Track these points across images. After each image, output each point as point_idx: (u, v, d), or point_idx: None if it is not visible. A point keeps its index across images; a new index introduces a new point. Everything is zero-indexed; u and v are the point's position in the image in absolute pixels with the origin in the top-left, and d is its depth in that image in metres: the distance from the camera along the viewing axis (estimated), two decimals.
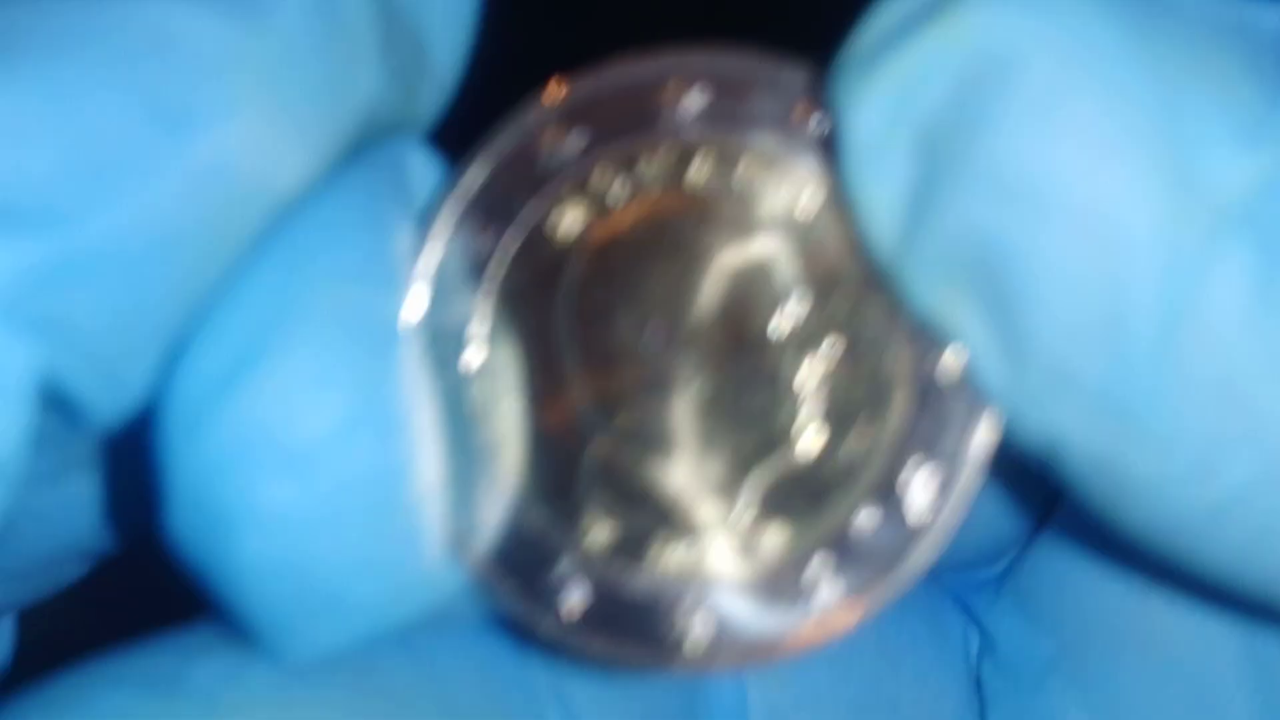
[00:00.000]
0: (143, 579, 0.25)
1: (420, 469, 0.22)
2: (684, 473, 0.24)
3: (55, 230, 0.20)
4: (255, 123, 0.21)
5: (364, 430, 0.21)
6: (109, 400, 0.22)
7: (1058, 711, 0.33)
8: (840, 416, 0.24)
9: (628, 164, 0.23)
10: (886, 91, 0.21)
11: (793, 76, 0.23)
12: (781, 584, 0.23)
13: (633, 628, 0.23)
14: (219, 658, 0.26)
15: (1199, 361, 0.21)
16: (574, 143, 0.23)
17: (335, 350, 0.21)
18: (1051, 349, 0.21)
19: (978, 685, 0.36)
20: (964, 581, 0.36)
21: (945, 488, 0.23)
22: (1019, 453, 0.23)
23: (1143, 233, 0.20)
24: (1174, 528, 0.22)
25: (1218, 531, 0.22)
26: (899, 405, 0.23)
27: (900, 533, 0.23)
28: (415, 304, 0.23)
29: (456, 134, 0.25)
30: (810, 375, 0.23)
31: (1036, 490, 0.33)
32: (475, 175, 0.23)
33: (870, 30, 0.22)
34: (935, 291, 0.22)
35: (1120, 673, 0.32)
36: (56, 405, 0.22)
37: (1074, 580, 0.33)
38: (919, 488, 0.23)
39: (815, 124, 0.23)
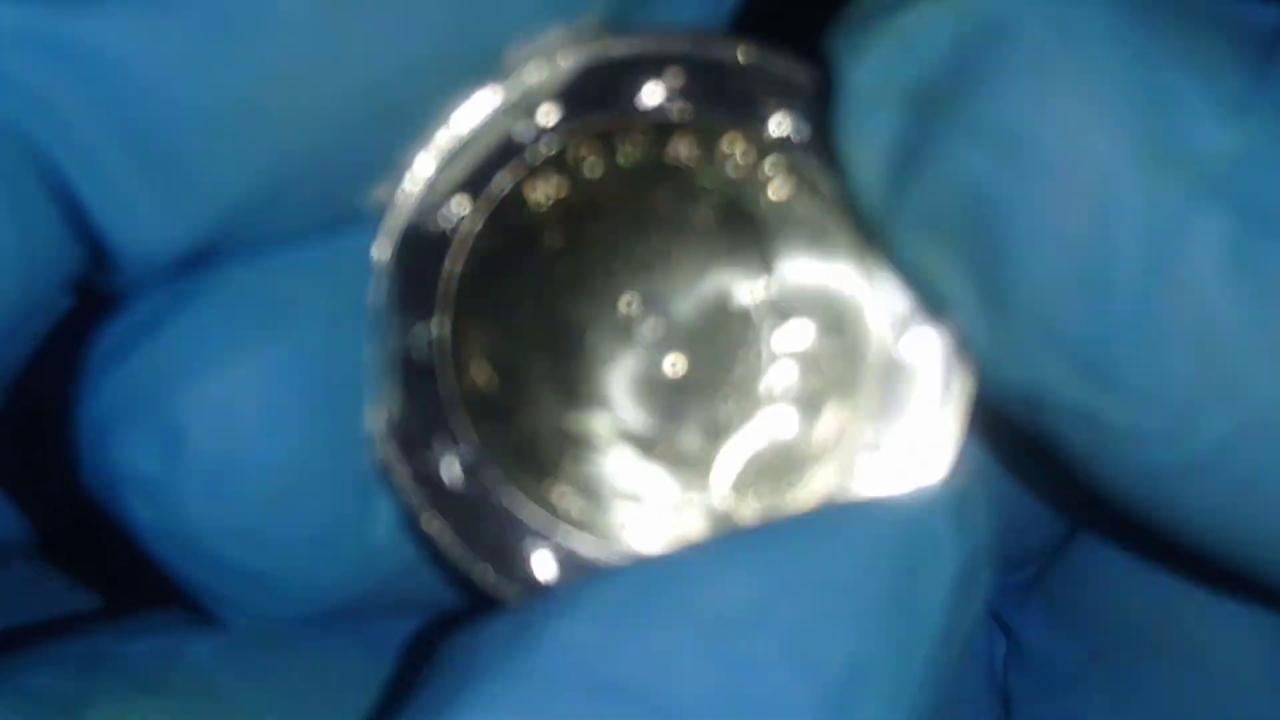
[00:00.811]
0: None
1: (345, 447, 0.23)
2: (655, 444, 0.24)
3: (61, 8, 0.21)
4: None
5: (244, 411, 0.22)
6: (119, 222, 0.22)
7: (1086, 716, 0.33)
8: (813, 395, 0.23)
9: (604, 139, 0.24)
10: (884, 49, 0.22)
11: (771, 61, 0.23)
12: None
13: None
14: (155, 636, 0.26)
15: (1177, 320, 0.21)
16: (550, 116, 0.23)
17: (213, 330, 0.22)
18: (1034, 302, 0.21)
19: (1003, 691, 0.36)
20: (993, 586, 0.36)
21: (915, 467, 0.23)
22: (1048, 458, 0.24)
23: (1126, 193, 0.21)
24: (1151, 483, 0.22)
25: (1194, 487, 0.22)
26: (870, 386, 0.23)
27: None
28: (380, 264, 0.23)
29: None
30: (784, 353, 0.23)
31: (1070, 495, 0.32)
32: (448, 142, 0.23)
33: None
34: (920, 246, 0.22)
35: (1150, 678, 0.32)
36: (65, 209, 0.22)
37: (1104, 585, 0.32)
38: (888, 467, 0.23)
39: (792, 111, 0.23)
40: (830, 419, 0.23)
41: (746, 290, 0.23)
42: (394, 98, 0.22)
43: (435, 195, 0.23)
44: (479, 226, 0.24)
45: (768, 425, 0.24)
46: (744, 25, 0.24)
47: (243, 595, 0.24)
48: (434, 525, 0.23)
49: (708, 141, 0.23)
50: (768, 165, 0.23)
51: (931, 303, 0.23)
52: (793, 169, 0.23)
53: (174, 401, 0.22)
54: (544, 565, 0.24)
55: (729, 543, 0.23)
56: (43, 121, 0.21)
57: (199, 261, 0.23)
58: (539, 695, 0.21)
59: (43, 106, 0.21)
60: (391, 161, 0.23)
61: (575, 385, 0.24)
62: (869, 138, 0.22)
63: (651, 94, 0.23)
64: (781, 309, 0.23)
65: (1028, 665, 0.35)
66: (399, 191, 0.23)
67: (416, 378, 0.23)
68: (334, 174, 0.23)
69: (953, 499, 0.23)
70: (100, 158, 0.21)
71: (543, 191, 0.24)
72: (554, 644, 0.22)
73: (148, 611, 0.27)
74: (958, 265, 0.22)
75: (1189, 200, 0.21)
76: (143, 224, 0.22)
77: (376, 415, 0.23)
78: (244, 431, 0.22)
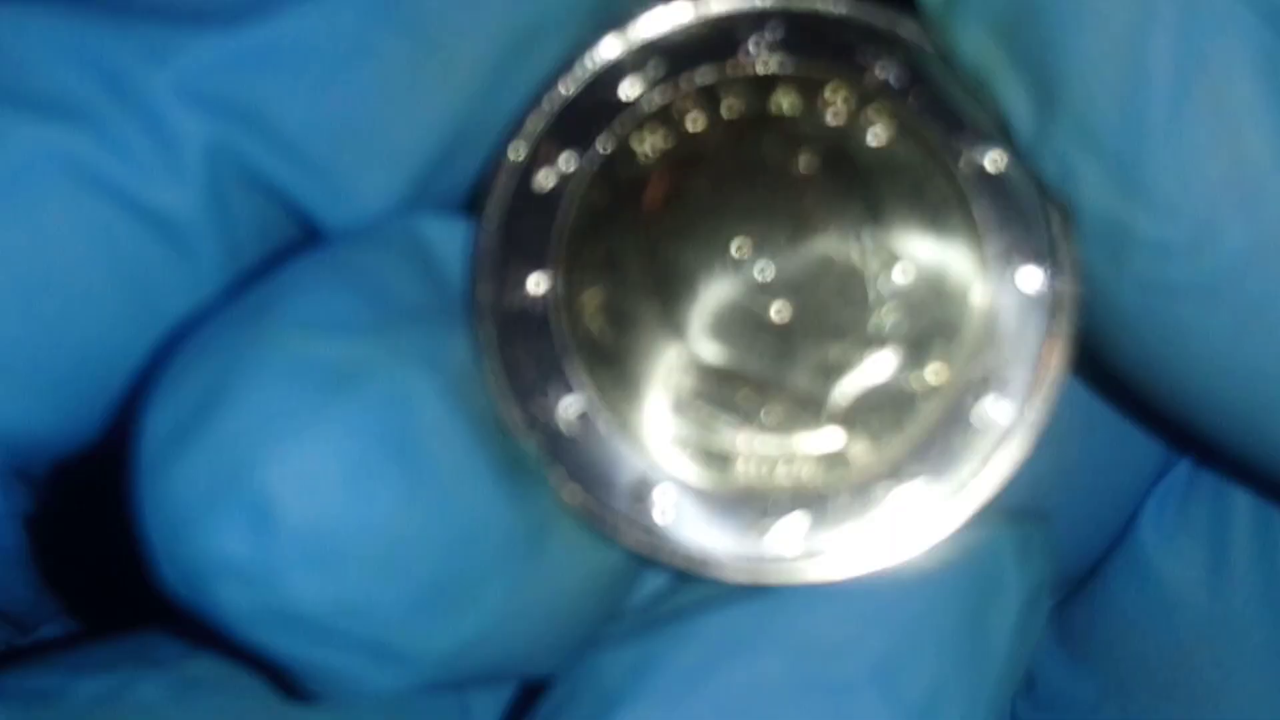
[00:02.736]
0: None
1: (442, 496, 0.22)
2: (765, 386, 0.24)
3: (238, 25, 0.23)
4: None
5: (331, 477, 0.21)
6: (326, 201, 0.23)
7: None
8: (918, 337, 0.24)
9: (708, 92, 0.24)
10: None
11: (869, 10, 0.24)
12: (869, 495, 0.24)
13: (719, 537, 0.24)
14: (105, 674, 0.26)
15: (1207, 124, 0.22)
16: (655, 70, 0.24)
17: (281, 402, 0.21)
18: (1075, 99, 0.22)
19: None
20: None
21: (1018, 416, 0.24)
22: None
23: None
24: (1169, 301, 0.23)
25: (1208, 310, 0.23)
26: (974, 333, 0.24)
27: (977, 457, 0.24)
28: (488, 223, 0.24)
29: None
30: (889, 296, 0.24)
31: (1098, 532, 0.33)
32: (556, 98, 0.24)
33: None
34: (979, 45, 0.23)
35: None
36: (272, 200, 0.24)
37: (1122, 624, 0.33)
38: (992, 415, 0.24)
39: (891, 58, 0.24)
40: (936, 359, 0.24)
41: (850, 236, 0.24)
42: (532, 44, 0.24)
43: (546, 150, 0.24)
44: (588, 179, 0.24)
45: (876, 366, 0.24)
46: None
47: (350, 667, 0.23)
48: (551, 471, 0.23)
49: (809, 91, 0.24)
50: (868, 112, 0.24)
51: (991, 107, 0.24)
52: (893, 115, 0.24)
53: (258, 478, 0.21)
54: (660, 508, 0.24)
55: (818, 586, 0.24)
56: (248, 131, 0.23)
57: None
58: None
59: (246, 118, 0.23)
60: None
61: (686, 329, 0.24)
62: None
63: (753, 47, 0.24)
64: (885, 253, 0.24)
65: (1039, 699, 0.35)
66: (512, 148, 0.24)
67: (531, 327, 0.24)
68: (487, 120, 0.24)
69: (1018, 537, 0.24)
70: (303, 148, 0.23)
71: (649, 144, 0.24)
72: (663, 676, 0.24)
73: (103, 642, 0.27)
74: (1010, 60, 0.23)
75: (1227, 2, 0.22)
76: (349, 198, 0.24)
77: (494, 366, 0.23)
78: (334, 498, 0.21)
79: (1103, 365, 0.26)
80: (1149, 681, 0.32)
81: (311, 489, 0.21)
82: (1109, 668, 0.33)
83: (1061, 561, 0.34)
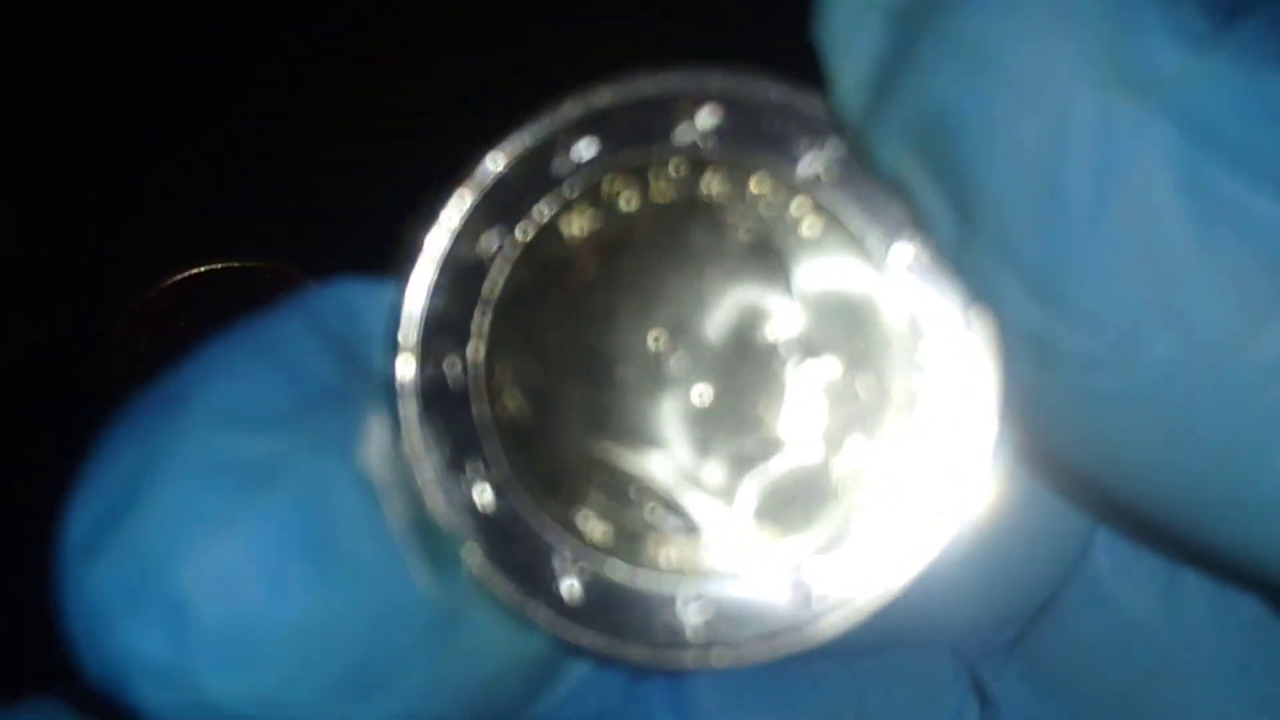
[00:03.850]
0: None
1: (360, 588, 0.23)
2: (680, 472, 0.24)
3: None
4: None
5: (247, 576, 0.22)
6: None
7: None
8: (836, 430, 0.24)
9: (639, 174, 0.24)
10: None
11: (804, 100, 0.24)
12: (778, 582, 0.24)
13: (629, 620, 0.24)
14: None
15: (1127, 238, 0.21)
16: (587, 150, 0.24)
17: (197, 501, 0.22)
18: (994, 217, 0.22)
19: None
20: (975, 647, 0.37)
21: (937, 506, 0.24)
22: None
23: (1081, 106, 0.21)
24: (1097, 415, 0.23)
25: (1137, 419, 0.22)
26: (893, 426, 0.24)
27: (892, 543, 0.24)
28: (414, 292, 0.24)
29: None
30: (809, 388, 0.24)
31: (1054, 560, 0.33)
32: (485, 173, 0.24)
33: None
34: (897, 157, 0.23)
35: None
36: None
37: (1086, 652, 0.33)
38: (907, 510, 0.24)
39: (823, 150, 0.24)
40: (852, 453, 0.24)
41: (774, 325, 0.24)
42: None
43: (474, 226, 0.24)
44: (515, 257, 0.24)
45: (791, 458, 0.24)
46: (778, 64, 0.25)
47: None
48: (465, 549, 0.24)
49: (739, 178, 0.24)
50: (797, 204, 0.24)
51: (912, 217, 0.24)
52: (821, 208, 0.24)
53: (173, 578, 0.22)
54: (570, 588, 0.24)
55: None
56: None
57: None
58: None
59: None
60: None
61: (604, 415, 0.24)
62: (853, 52, 0.23)
63: (686, 131, 0.24)
64: (807, 345, 0.24)
65: None
66: (439, 223, 0.24)
67: (451, 403, 0.24)
68: None
69: None
70: None
71: (578, 224, 0.24)
72: None
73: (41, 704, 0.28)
74: (929, 178, 0.23)
75: (1141, 116, 0.21)
76: None
77: (412, 441, 0.24)
78: (250, 596, 0.22)
79: (1041, 461, 0.26)
80: (1113, 706, 0.33)
81: (226, 589, 0.22)
82: (1073, 694, 0.34)
83: (1020, 592, 0.34)
